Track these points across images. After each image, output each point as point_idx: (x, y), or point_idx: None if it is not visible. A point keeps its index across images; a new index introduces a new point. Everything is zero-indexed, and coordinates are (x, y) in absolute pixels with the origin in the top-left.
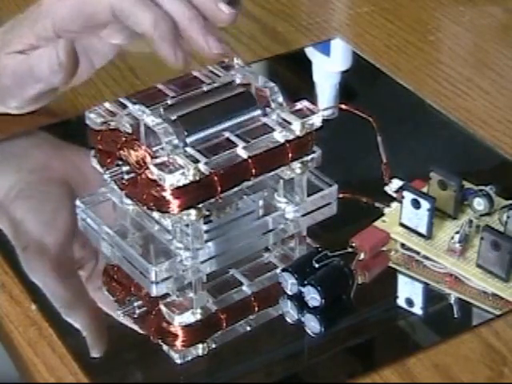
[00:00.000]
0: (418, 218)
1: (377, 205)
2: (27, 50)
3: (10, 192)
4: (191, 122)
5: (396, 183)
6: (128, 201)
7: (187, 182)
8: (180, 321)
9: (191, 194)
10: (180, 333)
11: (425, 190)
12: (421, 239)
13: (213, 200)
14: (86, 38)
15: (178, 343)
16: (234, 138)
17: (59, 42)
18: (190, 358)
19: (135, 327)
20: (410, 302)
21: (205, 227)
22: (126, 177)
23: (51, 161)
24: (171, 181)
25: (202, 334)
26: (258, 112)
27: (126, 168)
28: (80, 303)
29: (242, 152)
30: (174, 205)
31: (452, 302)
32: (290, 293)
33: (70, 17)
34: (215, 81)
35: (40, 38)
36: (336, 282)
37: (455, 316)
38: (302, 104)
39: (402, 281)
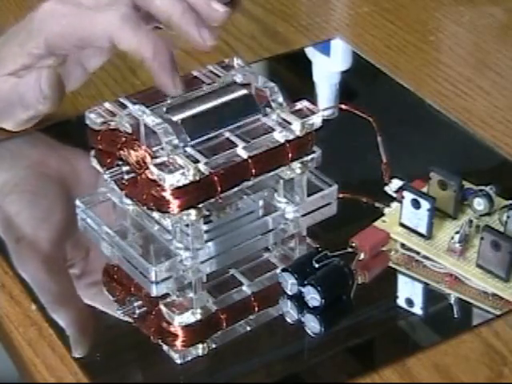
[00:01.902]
0: (418, 218)
1: (377, 205)
2: (19, 70)
3: (4, 187)
4: (191, 122)
5: (396, 183)
6: (128, 201)
7: (187, 182)
8: (180, 321)
9: (191, 194)
10: (180, 333)
11: (425, 190)
12: (421, 239)
13: (213, 200)
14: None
15: (178, 343)
16: (233, 138)
17: (42, 74)
18: (189, 357)
19: (135, 327)
20: (410, 302)
21: (205, 227)
22: (126, 177)
23: (47, 158)
24: (171, 181)
25: (202, 334)
26: (258, 112)
27: (125, 168)
28: (67, 301)
29: (242, 152)
30: (174, 205)
31: (452, 301)
32: (290, 293)
33: (63, 36)
34: (215, 81)
35: (32, 56)
36: (336, 281)
37: (455, 316)
38: (302, 104)
39: (401, 281)
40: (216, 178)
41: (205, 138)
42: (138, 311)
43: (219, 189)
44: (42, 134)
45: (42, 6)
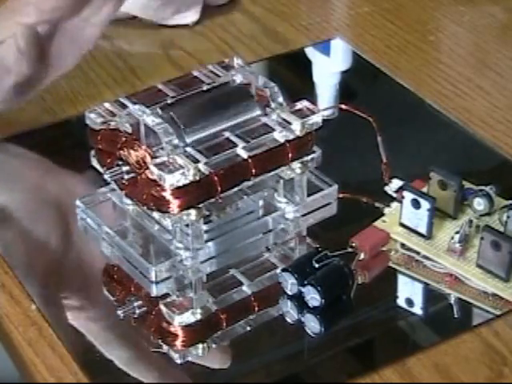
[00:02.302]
0: (418, 218)
1: (377, 205)
2: (5, 39)
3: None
4: (191, 122)
5: (396, 183)
6: (128, 201)
7: (187, 182)
8: (180, 321)
9: (191, 194)
10: (180, 333)
11: (425, 190)
12: (421, 239)
13: (213, 200)
14: (69, 21)
15: (178, 343)
16: (233, 138)
17: (18, 31)
18: (189, 357)
19: (135, 327)
20: (410, 302)
21: (205, 227)
22: (126, 177)
23: (45, 182)
24: (171, 181)
25: (202, 334)
26: (258, 112)
27: (125, 168)
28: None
29: (242, 152)
30: (174, 205)
31: (452, 301)
32: (290, 293)
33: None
34: (215, 81)
35: (21, 25)
36: (336, 282)
37: (455, 316)
38: (302, 104)
39: (401, 281)
40: (216, 178)
41: (202, 134)
42: (137, 311)
43: (219, 189)
44: (37, 155)
45: None
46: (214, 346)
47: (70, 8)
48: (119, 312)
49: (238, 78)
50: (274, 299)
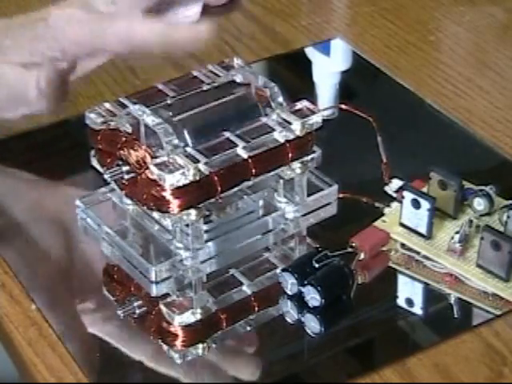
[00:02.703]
0: (418, 218)
1: (377, 205)
2: (27, 63)
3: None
4: (191, 122)
5: (396, 183)
6: (128, 201)
7: (187, 181)
8: (180, 321)
9: (191, 194)
10: (180, 333)
11: (425, 190)
12: (421, 239)
13: (213, 200)
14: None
15: (178, 343)
16: (233, 138)
17: (42, 71)
18: (189, 357)
19: (135, 327)
20: (410, 302)
21: (205, 227)
22: (126, 177)
23: (45, 200)
24: (171, 181)
25: (202, 334)
26: (258, 112)
27: (125, 168)
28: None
29: (242, 152)
30: (174, 205)
31: (452, 301)
32: (290, 293)
33: (80, 43)
34: (215, 81)
35: (44, 56)
36: (336, 282)
37: (455, 316)
38: (302, 104)
39: (401, 281)
40: (216, 178)
41: (202, 134)
42: (138, 311)
43: (219, 189)
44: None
45: (57, 9)
46: (213, 345)
47: (89, 56)
48: (119, 312)
49: (238, 78)
50: (274, 299)
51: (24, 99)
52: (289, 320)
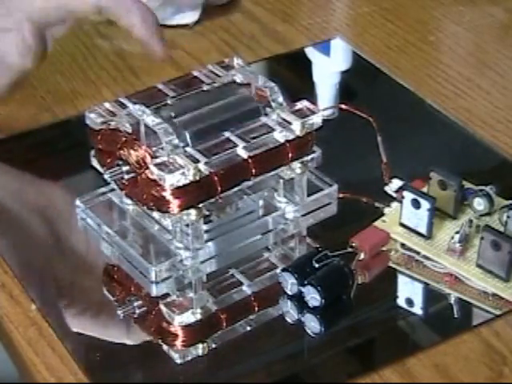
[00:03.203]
0: (418, 218)
1: (377, 205)
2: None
3: None
4: (191, 122)
5: (396, 183)
6: (128, 201)
7: (187, 181)
8: (180, 321)
9: (191, 194)
10: (180, 333)
11: (425, 190)
12: (421, 239)
13: (213, 200)
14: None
15: (178, 343)
16: (234, 138)
17: (24, 26)
18: (189, 357)
19: (135, 327)
20: (410, 302)
21: (205, 227)
22: (126, 177)
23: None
24: (171, 181)
25: (202, 334)
26: (258, 112)
27: (126, 168)
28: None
29: (242, 152)
30: (174, 205)
31: (452, 301)
32: (290, 293)
33: (48, 10)
34: (215, 81)
35: (16, 21)
36: (336, 282)
37: (455, 316)
38: (302, 104)
39: (401, 281)
40: (216, 178)
41: (202, 134)
42: (137, 311)
43: (219, 189)
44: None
45: None
46: (213, 345)
47: (61, 21)
48: (119, 312)
49: (238, 78)
50: (274, 299)
51: (5, 64)
52: (289, 320)
